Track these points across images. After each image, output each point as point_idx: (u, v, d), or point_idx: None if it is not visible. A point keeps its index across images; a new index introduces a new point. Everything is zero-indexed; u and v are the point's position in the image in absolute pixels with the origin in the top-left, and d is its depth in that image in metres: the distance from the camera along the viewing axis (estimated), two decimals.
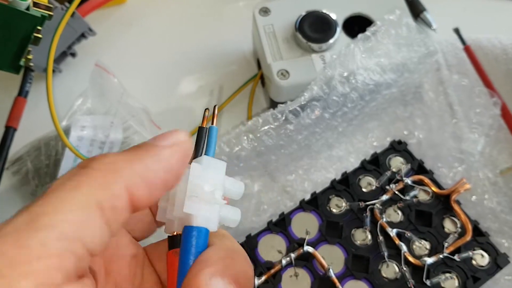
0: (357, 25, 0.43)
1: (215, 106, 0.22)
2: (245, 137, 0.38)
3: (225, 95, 0.47)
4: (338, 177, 0.41)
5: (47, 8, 0.37)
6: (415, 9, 0.45)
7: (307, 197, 0.41)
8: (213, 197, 0.19)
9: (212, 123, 0.21)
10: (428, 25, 0.44)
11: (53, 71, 0.46)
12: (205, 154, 0.20)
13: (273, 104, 0.43)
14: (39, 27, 0.37)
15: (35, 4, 0.36)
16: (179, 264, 0.18)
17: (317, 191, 0.36)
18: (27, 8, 0.35)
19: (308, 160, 0.42)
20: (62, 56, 0.46)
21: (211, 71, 0.49)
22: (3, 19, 0.35)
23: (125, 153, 0.17)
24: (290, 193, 0.42)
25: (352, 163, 0.42)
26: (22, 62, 0.39)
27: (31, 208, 0.15)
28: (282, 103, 0.41)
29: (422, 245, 0.33)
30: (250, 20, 0.47)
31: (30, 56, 0.39)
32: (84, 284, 0.16)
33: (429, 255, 0.33)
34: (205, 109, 0.21)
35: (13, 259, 0.14)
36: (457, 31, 0.46)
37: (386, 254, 0.33)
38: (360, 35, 0.39)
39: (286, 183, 0.42)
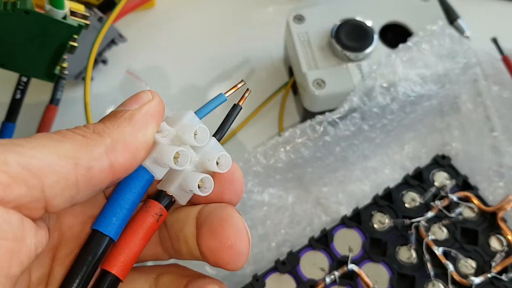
0: (392, 33, 0.42)
1: (247, 89, 0.21)
2: (282, 149, 0.37)
3: (254, 101, 0.46)
4: (373, 189, 0.40)
5: (84, 17, 0.36)
6: (449, 17, 0.44)
7: (341, 209, 0.40)
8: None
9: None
10: (461, 32, 0.43)
11: (83, 78, 0.45)
12: (195, 112, 0.19)
13: (306, 114, 0.42)
14: (75, 36, 0.36)
15: (72, 13, 0.35)
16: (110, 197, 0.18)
17: (359, 206, 0.35)
18: (64, 17, 0.34)
19: (343, 172, 0.41)
20: (93, 64, 0.45)
21: (240, 78, 0.48)
22: (40, 28, 0.35)
23: (103, 121, 0.18)
24: (324, 205, 0.41)
25: (387, 175, 0.41)
26: (56, 71, 0.38)
27: (11, 140, 0.16)
28: (316, 113, 0.40)
29: (468, 264, 0.33)
30: (279, 26, 0.46)
31: (65, 65, 0.38)
32: (32, 227, 0.16)
33: (476, 274, 0.32)
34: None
35: None
36: (495, 40, 0.45)
37: (432, 273, 0.32)
38: (401, 45, 0.38)
39: (320, 195, 0.41)
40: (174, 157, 0.18)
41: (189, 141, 0.18)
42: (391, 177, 0.41)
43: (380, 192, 0.37)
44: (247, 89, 0.21)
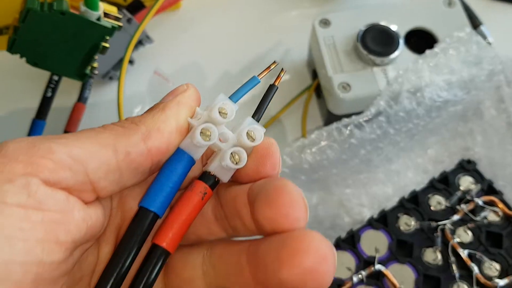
0: (416, 38, 0.43)
1: (282, 69, 0.22)
2: (308, 150, 0.38)
3: (277, 104, 0.47)
4: (396, 192, 0.41)
5: (117, 19, 0.37)
6: (473, 23, 0.45)
7: (364, 211, 0.41)
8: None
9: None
10: (484, 39, 0.44)
11: (111, 78, 0.46)
12: (229, 97, 0.20)
13: (330, 117, 0.43)
14: (107, 37, 0.37)
15: (106, 15, 0.36)
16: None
17: (382, 209, 0.36)
18: (98, 19, 0.35)
19: (366, 174, 0.41)
20: (120, 63, 0.46)
21: (263, 80, 0.48)
22: (75, 29, 0.35)
23: (141, 114, 0.20)
24: (347, 206, 0.41)
25: (410, 179, 0.42)
26: (87, 70, 0.39)
27: (57, 135, 0.18)
28: (340, 116, 0.41)
29: (492, 267, 0.33)
30: (303, 30, 0.47)
31: (95, 65, 0.39)
32: (79, 203, 0.18)
33: (500, 276, 0.33)
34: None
35: (17, 149, 0.17)
36: None
37: (457, 275, 0.32)
38: (428, 51, 0.39)
39: (343, 197, 0.42)
40: (202, 134, 0.19)
41: (217, 117, 0.19)
42: (414, 181, 0.41)
43: (403, 195, 0.38)
44: (282, 69, 0.21)
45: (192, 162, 0.20)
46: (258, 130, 0.20)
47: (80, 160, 0.17)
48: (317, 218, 0.41)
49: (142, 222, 0.19)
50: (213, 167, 0.20)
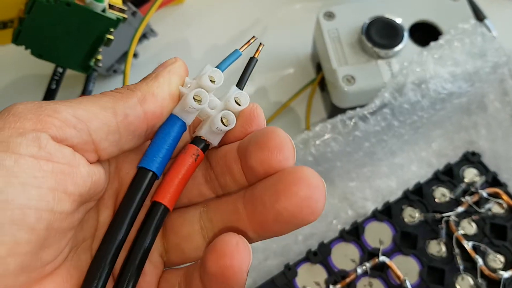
0: (420, 31, 0.43)
1: (260, 43, 0.24)
2: (313, 142, 0.38)
3: (281, 97, 0.47)
4: (400, 185, 0.41)
5: (121, 11, 0.37)
6: (477, 17, 0.45)
7: (368, 204, 0.41)
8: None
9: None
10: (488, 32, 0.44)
11: (115, 71, 0.46)
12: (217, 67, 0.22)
13: (333, 110, 0.43)
14: (112, 29, 0.37)
15: (111, 7, 0.36)
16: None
17: (385, 202, 0.36)
18: (103, 10, 0.35)
19: (370, 168, 0.41)
20: (124, 56, 0.46)
21: (267, 74, 0.49)
22: (80, 20, 0.35)
23: (135, 83, 0.21)
24: (350, 199, 0.41)
25: (414, 172, 0.42)
26: (92, 63, 0.39)
27: (61, 100, 0.19)
28: (344, 109, 0.41)
29: (497, 259, 0.33)
30: (306, 24, 0.47)
31: (99, 57, 0.39)
32: (83, 159, 0.19)
33: (504, 268, 0.33)
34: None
35: (26, 109, 0.18)
36: None
37: (461, 267, 0.32)
38: (432, 43, 0.39)
39: (347, 190, 0.42)
40: (195, 99, 0.20)
41: (207, 84, 0.21)
42: (418, 174, 0.41)
43: (407, 188, 0.38)
44: (260, 43, 0.23)
45: (184, 127, 0.21)
46: (244, 95, 0.22)
47: (84, 120, 0.18)
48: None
49: (142, 181, 0.20)
50: (203, 132, 0.21)
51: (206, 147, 0.21)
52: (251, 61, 0.23)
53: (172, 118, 0.21)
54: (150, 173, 0.20)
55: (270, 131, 0.20)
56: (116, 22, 0.36)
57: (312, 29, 0.46)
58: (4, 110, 0.18)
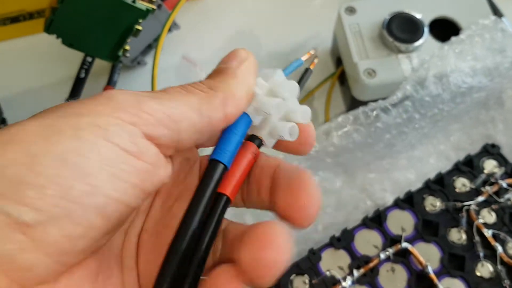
0: (439, 27, 0.44)
1: (316, 56, 0.25)
2: (335, 133, 0.39)
3: (301, 91, 0.48)
4: (418, 178, 0.42)
5: (150, 2, 0.38)
6: (494, 14, 0.45)
7: (386, 196, 0.42)
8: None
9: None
10: None
11: (139, 63, 0.47)
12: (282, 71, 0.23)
13: (353, 104, 0.44)
14: (141, 20, 0.38)
15: None
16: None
17: (412, 190, 0.37)
18: (133, 1, 0.36)
19: (389, 160, 0.42)
20: (147, 49, 0.47)
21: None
22: (110, 10, 0.36)
23: (212, 78, 0.21)
24: (368, 191, 0.42)
25: (432, 165, 0.42)
26: (120, 53, 0.40)
27: (149, 92, 0.19)
28: (364, 102, 0.42)
29: None
30: (326, 19, 0.48)
31: (127, 47, 0.40)
32: (164, 161, 0.19)
33: None
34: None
35: (125, 100, 0.18)
36: None
37: (482, 254, 0.33)
38: (453, 38, 0.40)
39: (366, 181, 0.42)
40: (266, 104, 0.21)
41: (283, 94, 0.22)
42: (436, 167, 0.42)
43: (428, 178, 0.38)
44: (316, 56, 0.25)
45: (250, 125, 0.22)
46: (308, 110, 0.23)
47: (176, 121, 0.19)
48: (341, 201, 0.42)
49: (215, 173, 0.20)
50: (262, 134, 0.22)
51: (260, 146, 0.22)
52: (306, 72, 0.24)
53: (244, 116, 0.21)
54: (222, 166, 0.21)
55: (305, 179, 0.20)
56: (145, 13, 0.37)
57: (332, 24, 0.47)
58: (102, 95, 0.18)
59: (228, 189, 0.21)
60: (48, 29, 0.38)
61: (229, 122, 0.21)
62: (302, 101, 0.47)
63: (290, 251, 0.18)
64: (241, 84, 0.21)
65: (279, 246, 0.18)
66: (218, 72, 0.21)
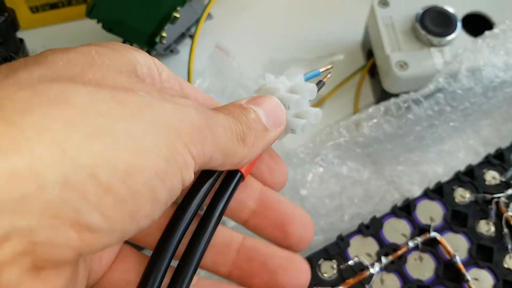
0: (472, 22, 0.44)
1: (330, 72, 0.27)
2: (365, 123, 0.39)
3: (330, 83, 0.48)
4: (446, 171, 0.42)
5: None
6: None
7: (414, 188, 0.42)
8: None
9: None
10: None
11: (172, 51, 0.48)
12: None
13: (382, 96, 0.44)
14: (179, 8, 0.39)
15: None
16: None
17: (442, 181, 0.37)
18: None
19: (418, 153, 0.43)
20: (180, 37, 0.48)
21: (318, 59, 0.50)
22: None
23: (249, 128, 0.22)
24: (396, 183, 0.43)
25: (461, 159, 0.43)
26: (157, 39, 0.41)
27: None
28: (394, 95, 0.42)
29: None
30: (356, 11, 0.49)
31: (164, 34, 0.41)
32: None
33: None
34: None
35: None
36: None
37: (510, 246, 0.34)
38: (487, 32, 0.40)
39: (394, 173, 0.43)
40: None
41: (304, 94, 0.24)
42: (465, 161, 0.42)
43: (459, 170, 0.39)
44: (330, 72, 0.27)
45: None
46: (320, 114, 0.24)
47: (207, 134, 0.19)
48: (368, 193, 0.42)
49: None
50: None
51: None
52: (319, 83, 0.26)
53: None
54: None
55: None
56: (183, 1, 0.38)
57: (362, 17, 0.47)
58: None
59: (243, 167, 0.22)
60: (90, 13, 0.39)
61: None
62: (330, 93, 0.48)
63: None
64: (263, 149, 0.22)
65: None
66: (252, 123, 0.22)
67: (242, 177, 0.23)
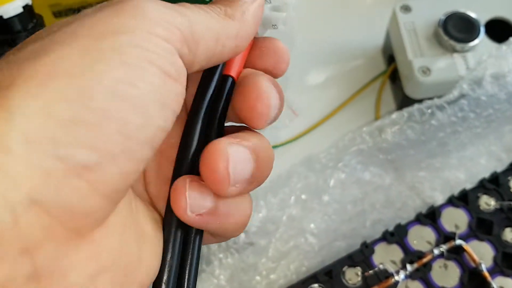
0: (495, 28, 0.44)
1: None
2: (389, 129, 0.39)
3: (351, 88, 0.48)
4: (468, 178, 0.42)
5: None
6: None
7: (435, 195, 0.42)
8: None
9: None
10: None
11: None
12: None
13: (404, 102, 0.44)
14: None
15: None
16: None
17: (466, 188, 0.37)
18: None
19: (440, 159, 0.42)
20: None
21: (337, 64, 0.50)
22: None
23: (229, 5, 0.20)
24: (418, 189, 0.43)
25: (483, 166, 0.42)
26: None
27: (173, 5, 0.18)
28: (416, 101, 0.42)
29: None
30: (377, 16, 0.49)
31: None
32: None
33: None
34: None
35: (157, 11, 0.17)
36: None
37: None
38: None
39: (415, 179, 0.43)
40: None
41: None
42: (487, 168, 0.42)
43: (475, 181, 0.38)
44: None
45: None
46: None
47: (197, 41, 0.18)
48: (389, 198, 0.42)
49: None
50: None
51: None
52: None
53: None
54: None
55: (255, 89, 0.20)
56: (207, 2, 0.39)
57: (383, 22, 0.47)
58: (127, 3, 0.17)
59: (232, 70, 0.21)
60: None
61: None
62: (351, 98, 0.48)
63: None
64: (254, 17, 0.20)
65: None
66: (233, 2, 0.20)
67: (234, 83, 0.21)
